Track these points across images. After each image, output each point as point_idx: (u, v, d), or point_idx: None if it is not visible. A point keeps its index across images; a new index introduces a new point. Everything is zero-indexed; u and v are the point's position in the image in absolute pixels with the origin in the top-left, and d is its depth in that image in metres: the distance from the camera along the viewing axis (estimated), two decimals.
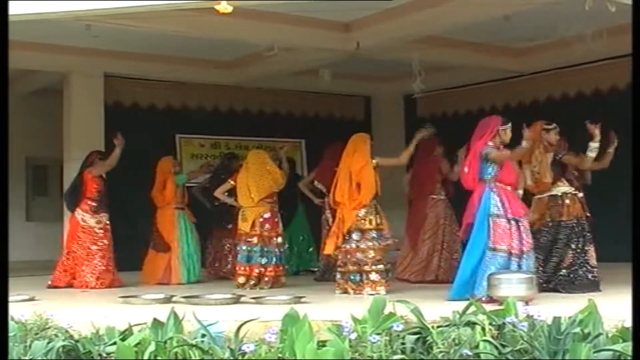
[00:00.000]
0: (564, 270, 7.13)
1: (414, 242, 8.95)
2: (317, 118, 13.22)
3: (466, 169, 6.67)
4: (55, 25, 8.26)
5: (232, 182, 8.94)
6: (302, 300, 6.42)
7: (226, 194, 9.11)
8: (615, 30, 8.45)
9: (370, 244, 7.64)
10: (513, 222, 6.45)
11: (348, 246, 7.66)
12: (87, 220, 8.90)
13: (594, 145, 7.32)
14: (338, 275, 7.78)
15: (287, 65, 10.61)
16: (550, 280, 7.11)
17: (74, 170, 9.51)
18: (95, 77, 11.05)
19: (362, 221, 7.65)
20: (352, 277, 7.64)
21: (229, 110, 12.59)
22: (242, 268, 8.53)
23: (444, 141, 9.05)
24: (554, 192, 7.29)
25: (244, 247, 8.56)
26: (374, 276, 7.58)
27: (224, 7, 6.74)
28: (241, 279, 8.50)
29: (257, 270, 8.47)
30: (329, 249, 7.84)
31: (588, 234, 7.29)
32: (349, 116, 13.38)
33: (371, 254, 7.62)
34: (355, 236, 7.65)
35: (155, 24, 8.54)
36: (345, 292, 7.62)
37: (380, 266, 7.65)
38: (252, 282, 8.44)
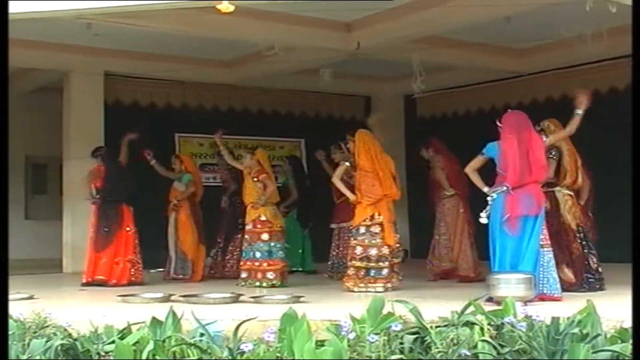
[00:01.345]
0: (600, 269, 7.08)
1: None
2: (317, 118, 13.23)
3: (544, 163, 6.37)
4: (56, 23, 8.26)
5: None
6: (301, 299, 6.41)
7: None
8: (615, 31, 8.45)
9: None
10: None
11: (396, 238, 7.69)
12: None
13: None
14: (372, 272, 7.48)
15: (288, 64, 10.60)
16: (585, 281, 6.97)
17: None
18: (96, 76, 11.07)
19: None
20: (395, 270, 7.62)
21: (228, 110, 12.59)
22: (280, 265, 8.37)
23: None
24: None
25: (278, 244, 8.43)
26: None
27: (226, 7, 6.73)
28: (271, 274, 8.28)
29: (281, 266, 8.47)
30: (392, 240, 7.60)
31: None
32: (348, 116, 13.36)
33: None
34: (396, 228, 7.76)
35: (156, 23, 8.55)
36: (365, 289, 7.36)
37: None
38: (284, 278, 8.34)
